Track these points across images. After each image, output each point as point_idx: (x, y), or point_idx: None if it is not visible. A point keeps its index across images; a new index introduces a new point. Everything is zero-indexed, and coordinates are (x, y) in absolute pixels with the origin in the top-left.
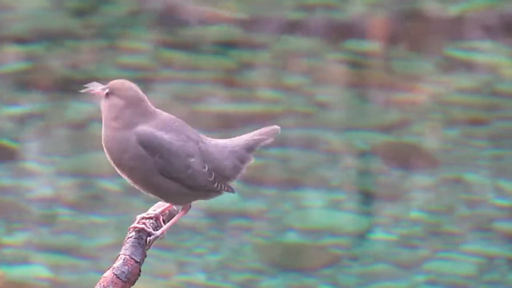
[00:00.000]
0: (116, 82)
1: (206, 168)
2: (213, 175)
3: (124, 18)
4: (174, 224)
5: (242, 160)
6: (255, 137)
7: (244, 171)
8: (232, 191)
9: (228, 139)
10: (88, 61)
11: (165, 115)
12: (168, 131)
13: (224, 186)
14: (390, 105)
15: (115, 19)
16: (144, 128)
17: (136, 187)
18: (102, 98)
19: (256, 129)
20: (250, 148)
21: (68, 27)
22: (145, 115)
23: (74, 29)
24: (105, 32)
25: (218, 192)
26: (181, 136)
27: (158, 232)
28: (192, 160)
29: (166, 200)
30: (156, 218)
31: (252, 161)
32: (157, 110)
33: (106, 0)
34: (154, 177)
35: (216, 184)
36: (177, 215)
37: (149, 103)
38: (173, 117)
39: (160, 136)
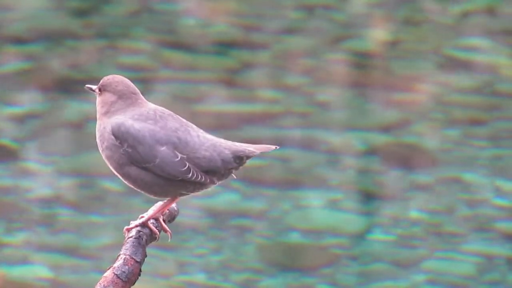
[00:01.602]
0: (107, 78)
1: (179, 157)
2: (187, 165)
3: (124, 18)
4: (161, 211)
5: (224, 159)
6: (248, 149)
7: (228, 173)
8: (213, 182)
9: (225, 140)
10: (88, 61)
11: (151, 106)
12: (143, 120)
13: (202, 177)
14: (390, 105)
15: (115, 19)
16: (119, 117)
17: (123, 180)
18: (97, 95)
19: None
20: (238, 156)
21: (68, 27)
22: (132, 106)
23: (74, 29)
24: (105, 32)
25: (199, 183)
26: (157, 125)
27: (144, 219)
28: (162, 149)
29: (147, 192)
30: (145, 224)
31: (234, 168)
32: (147, 102)
33: (106, 0)
34: (126, 167)
35: (191, 174)
36: (164, 202)
37: (139, 96)
38: (160, 108)
39: (130, 125)
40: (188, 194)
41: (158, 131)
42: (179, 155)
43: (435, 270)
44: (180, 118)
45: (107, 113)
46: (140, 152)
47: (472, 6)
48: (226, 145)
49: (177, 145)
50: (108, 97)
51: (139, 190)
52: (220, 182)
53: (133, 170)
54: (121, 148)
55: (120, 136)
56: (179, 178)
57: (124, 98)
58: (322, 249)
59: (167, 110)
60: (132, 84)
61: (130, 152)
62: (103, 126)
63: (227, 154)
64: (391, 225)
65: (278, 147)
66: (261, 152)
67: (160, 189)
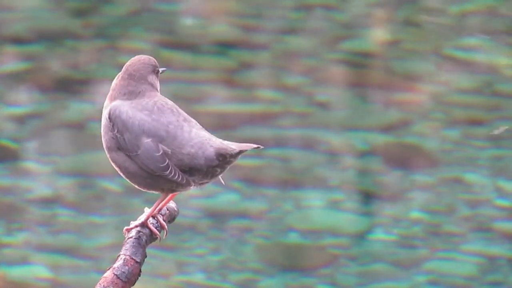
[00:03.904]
0: (131, 59)
1: (160, 152)
2: (167, 161)
3: (124, 18)
4: (158, 209)
5: (207, 157)
6: (230, 147)
7: (212, 172)
8: (189, 184)
9: (217, 138)
10: (88, 61)
11: (157, 97)
12: (139, 109)
13: (180, 176)
14: (390, 105)
15: (115, 19)
16: (119, 100)
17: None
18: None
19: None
20: (220, 153)
21: (68, 27)
22: (138, 93)
23: (74, 29)
24: (105, 32)
25: (178, 183)
26: (151, 116)
27: (143, 219)
28: (146, 140)
29: (131, 181)
30: (144, 224)
31: (217, 167)
32: (156, 92)
33: (106, 0)
34: (113, 152)
35: (169, 171)
36: (158, 199)
37: (150, 82)
38: (164, 100)
39: (124, 110)
40: (178, 191)
41: (149, 122)
42: (161, 150)
43: (436, 271)
44: (182, 112)
45: (116, 94)
46: (125, 139)
47: (472, 6)
48: (213, 143)
49: (164, 138)
50: (123, 76)
51: (125, 178)
52: (201, 183)
53: (120, 157)
54: (111, 131)
55: (113, 120)
56: (157, 174)
57: (133, 80)
58: (322, 249)
59: (170, 103)
60: (148, 68)
61: (118, 138)
62: (105, 106)
63: (210, 151)
64: (391, 226)
65: (261, 147)
66: (241, 150)
67: (143, 181)
